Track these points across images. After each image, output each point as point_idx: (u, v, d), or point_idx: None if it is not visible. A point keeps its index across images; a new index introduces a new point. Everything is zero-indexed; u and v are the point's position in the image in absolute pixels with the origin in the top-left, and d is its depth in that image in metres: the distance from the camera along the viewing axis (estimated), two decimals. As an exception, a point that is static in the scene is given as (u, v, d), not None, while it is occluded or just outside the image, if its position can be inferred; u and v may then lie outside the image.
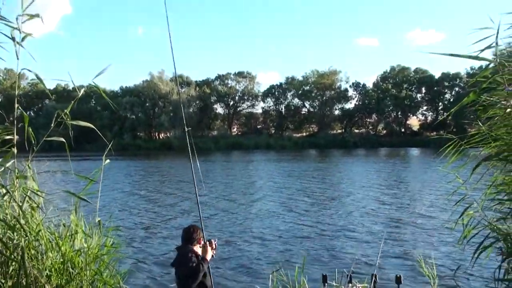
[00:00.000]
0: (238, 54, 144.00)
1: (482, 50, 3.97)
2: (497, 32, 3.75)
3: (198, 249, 4.91)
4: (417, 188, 25.53)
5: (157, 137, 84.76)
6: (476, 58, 4.00)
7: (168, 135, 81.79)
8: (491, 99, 4.29)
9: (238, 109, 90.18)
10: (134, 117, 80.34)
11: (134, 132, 79.51)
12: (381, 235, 13.38)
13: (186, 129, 5.75)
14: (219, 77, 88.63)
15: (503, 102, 4.24)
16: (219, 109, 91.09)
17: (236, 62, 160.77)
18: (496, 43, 3.83)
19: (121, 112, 77.22)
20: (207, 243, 5.04)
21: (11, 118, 4.31)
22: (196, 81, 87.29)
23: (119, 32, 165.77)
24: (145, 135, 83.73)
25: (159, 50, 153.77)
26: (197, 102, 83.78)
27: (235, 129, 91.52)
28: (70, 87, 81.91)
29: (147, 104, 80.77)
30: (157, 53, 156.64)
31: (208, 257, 4.93)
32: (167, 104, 79.19)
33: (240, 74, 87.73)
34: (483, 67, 4.52)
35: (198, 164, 5.71)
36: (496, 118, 4.41)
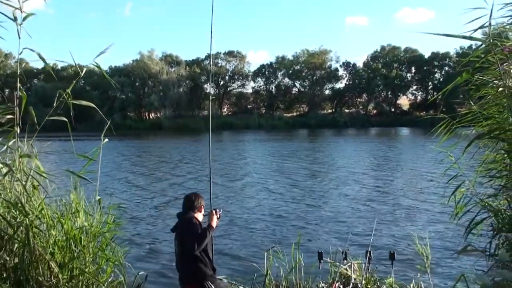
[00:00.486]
0: (228, 33, 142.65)
1: (475, 30, 4.04)
2: (491, 12, 3.80)
3: (199, 216, 4.99)
4: (409, 167, 25.78)
5: (147, 117, 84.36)
6: (470, 38, 4.07)
7: (158, 115, 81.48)
8: (484, 78, 4.38)
9: (229, 89, 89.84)
10: (124, 96, 79.76)
11: (124, 112, 79.01)
12: (375, 213, 13.61)
13: (210, 111, 5.90)
14: (209, 56, 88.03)
15: (495, 81, 4.33)
16: (210, 89, 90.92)
17: (226, 41, 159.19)
18: (490, 24, 3.88)
19: (111, 92, 76.66)
20: (213, 211, 5.16)
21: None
22: (186, 61, 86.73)
23: (108, 8, 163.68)
24: (135, 115, 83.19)
25: (148, 29, 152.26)
26: (187, 81, 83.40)
27: (225, 109, 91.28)
28: (59, 67, 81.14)
29: (137, 84, 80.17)
30: (146, 33, 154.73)
31: (214, 224, 5.02)
32: (157, 84, 78.70)
33: (230, 54, 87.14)
34: (473, 47, 4.58)
35: (210, 144, 5.80)
36: (488, 97, 4.52)
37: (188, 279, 4.70)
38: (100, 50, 4.36)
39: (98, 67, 4.26)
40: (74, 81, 4.29)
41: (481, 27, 4.00)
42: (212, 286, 4.66)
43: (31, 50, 4.12)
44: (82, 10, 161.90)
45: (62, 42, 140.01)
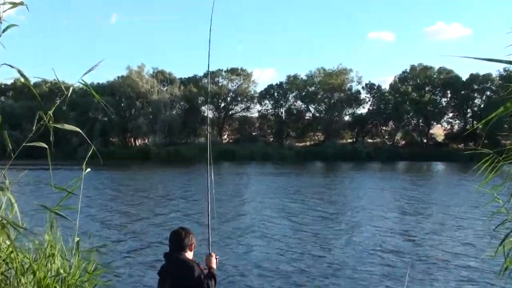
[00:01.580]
0: (230, 47, 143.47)
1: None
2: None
3: (190, 256, 4.96)
4: (444, 210, 25.55)
5: (133, 143, 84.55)
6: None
7: (146, 141, 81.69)
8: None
9: (230, 112, 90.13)
10: (106, 119, 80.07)
11: (106, 137, 79.16)
12: (405, 271, 13.38)
13: (207, 132, 5.96)
14: (207, 74, 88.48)
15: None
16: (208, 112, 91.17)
17: (227, 57, 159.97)
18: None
19: (91, 113, 77.05)
20: (212, 254, 5.18)
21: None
22: (180, 79, 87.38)
23: (90, 18, 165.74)
24: (119, 141, 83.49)
25: (136, 41, 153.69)
26: (182, 103, 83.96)
27: (226, 136, 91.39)
28: (31, 83, 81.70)
29: (123, 105, 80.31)
30: (133, 45, 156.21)
31: (215, 269, 5.04)
32: (146, 105, 79.06)
33: (233, 71, 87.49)
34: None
35: (212, 175, 5.86)
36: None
37: None
38: (81, 64, 4.41)
39: (87, 86, 4.29)
40: (58, 102, 4.33)
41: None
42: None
43: (10, 66, 4.15)
44: (57, 17, 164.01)
45: (35, 53, 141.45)
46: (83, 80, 4.26)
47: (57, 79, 4.21)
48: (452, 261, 14.79)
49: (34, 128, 4.20)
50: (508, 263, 4.64)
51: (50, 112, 4.16)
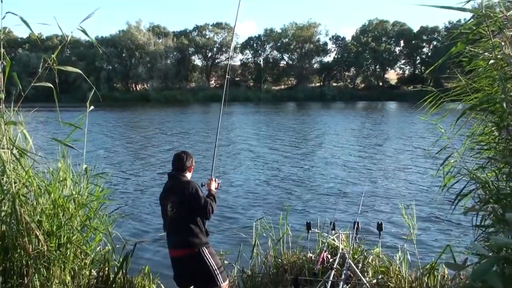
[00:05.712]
0: (215, 4, 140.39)
1: (467, 1, 4.00)
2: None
3: (189, 176, 4.94)
4: (397, 139, 25.94)
5: (134, 88, 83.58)
6: (463, 9, 4.03)
7: (145, 86, 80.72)
8: (475, 50, 4.36)
9: (216, 61, 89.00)
10: (110, 68, 78.87)
11: (110, 83, 78.12)
12: (363, 184, 13.72)
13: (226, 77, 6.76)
14: (197, 28, 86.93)
15: (485, 54, 4.31)
16: (197, 60, 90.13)
17: (212, 9, 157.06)
18: (483, -6, 3.83)
19: (97, 63, 75.67)
20: (213, 179, 5.21)
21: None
22: (173, 32, 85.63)
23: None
24: (121, 87, 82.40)
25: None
26: (175, 53, 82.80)
27: (213, 81, 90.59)
28: (44, 36, 79.84)
29: (124, 55, 79.17)
30: (131, 2, 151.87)
31: (214, 192, 5.05)
32: (144, 55, 77.80)
33: (218, 25, 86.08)
34: (462, 21, 4.54)
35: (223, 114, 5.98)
36: (479, 70, 4.51)
37: (183, 244, 4.66)
38: (84, 16, 4.24)
39: (84, 32, 4.13)
40: (60, 46, 4.19)
41: (471, -1, 3.96)
42: (206, 251, 4.67)
43: (13, 14, 3.99)
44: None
45: (43, 9, 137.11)
46: (81, 27, 4.11)
47: (59, 26, 4.04)
48: (401, 180, 15.15)
49: (40, 70, 4.08)
50: (447, 181, 4.71)
51: (53, 56, 4.03)
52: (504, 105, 3.84)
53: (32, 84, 4.10)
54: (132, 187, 14.43)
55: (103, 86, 70.92)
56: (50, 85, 4.18)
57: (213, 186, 5.14)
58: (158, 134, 29.83)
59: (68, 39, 4.26)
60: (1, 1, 3.99)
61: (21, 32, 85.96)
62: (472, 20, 4.19)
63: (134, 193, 13.71)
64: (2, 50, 3.98)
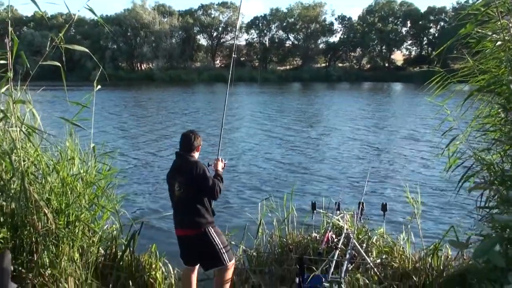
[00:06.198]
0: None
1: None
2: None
3: (196, 156, 4.93)
4: (402, 120, 25.91)
5: (139, 68, 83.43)
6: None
7: (150, 66, 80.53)
8: (483, 32, 4.34)
9: (222, 41, 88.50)
10: (115, 47, 78.69)
11: (115, 62, 77.97)
12: (368, 164, 13.76)
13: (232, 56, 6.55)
14: (202, 7, 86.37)
15: (493, 35, 4.30)
16: (202, 40, 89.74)
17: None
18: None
19: (102, 42, 75.49)
20: (220, 159, 5.23)
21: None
22: (178, 11, 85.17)
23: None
24: (127, 66, 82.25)
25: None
26: (180, 32, 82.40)
27: (218, 61, 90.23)
28: (49, 15, 79.49)
29: (129, 34, 78.88)
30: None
31: (221, 171, 5.08)
32: (149, 34, 77.46)
33: (223, 4, 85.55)
34: (470, 1, 4.51)
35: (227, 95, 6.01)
36: (486, 51, 4.49)
37: (189, 224, 4.68)
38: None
39: (91, 11, 4.14)
40: (67, 25, 4.20)
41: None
42: (212, 230, 4.71)
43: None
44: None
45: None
46: (88, 6, 4.12)
47: (65, 4, 4.05)
48: (406, 160, 15.21)
49: (47, 48, 4.09)
50: (452, 162, 4.73)
51: (61, 35, 4.05)
52: (511, 87, 3.84)
53: (39, 63, 4.12)
54: (139, 166, 14.51)
55: (108, 65, 70.79)
56: (58, 63, 4.20)
57: (220, 166, 5.15)
58: (163, 113, 29.85)
59: (75, 18, 4.26)
60: (9, -20, 4.01)
61: (25, 11, 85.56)
62: (480, 0, 4.17)
63: (141, 171, 13.79)
64: (10, 28, 3.99)
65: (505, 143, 4.26)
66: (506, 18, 4.02)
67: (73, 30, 78.86)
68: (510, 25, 4.04)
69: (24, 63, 4.16)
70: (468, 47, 4.51)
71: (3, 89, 4.16)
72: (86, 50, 4.34)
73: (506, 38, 4.02)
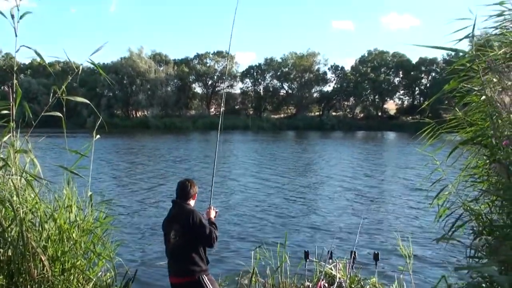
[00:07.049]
0: (216, 33, 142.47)
1: (460, 40, 4.21)
2: (474, 24, 3.95)
3: (192, 204, 4.99)
4: (393, 170, 26.06)
5: (134, 115, 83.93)
6: (455, 50, 4.26)
7: (146, 113, 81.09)
8: (468, 86, 4.55)
9: (217, 89, 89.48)
10: (111, 94, 79.40)
11: (111, 109, 78.45)
12: (360, 214, 13.81)
13: (222, 109, 6.65)
14: (198, 56, 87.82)
15: (478, 90, 4.50)
16: (198, 88, 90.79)
17: (213, 40, 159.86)
18: (473, 35, 4.03)
19: (98, 89, 76.22)
20: (212, 207, 5.30)
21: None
22: (174, 60, 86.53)
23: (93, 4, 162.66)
24: (122, 113, 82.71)
25: (134, 27, 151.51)
26: (175, 81, 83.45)
27: (213, 109, 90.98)
28: (46, 63, 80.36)
29: (125, 82, 79.59)
30: (132, 31, 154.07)
31: (214, 220, 5.13)
32: (145, 82, 78.35)
33: (219, 54, 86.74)
34: (460, 54, 4.73)
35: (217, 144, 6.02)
36: (472, 105, 4.69)
37: (184, 272, 4.72)
38: (87, 46, 4.44)
39: (94, 64, 4.33)
40: (70, 77, 4.38)
41: (466, 37, 4.17)
42: (206, 279, 4.74)
43: (28, 47, 4.19)
44: (67, 4, 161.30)
45: (47, 36, 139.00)
46: (90, 59, 4.30)
47: (68, 58, 4.24)
48: (397, 210, 15.26)
49: (50, 100, 4.25)
50: (442, 212, 4.84)
51: (63, 87, 4.22)
52: (493, 140, 4.00)
53: (42, 114, 4.27)
54: (132, 213, 14.48)
55: (103, 112, 70.98)
56: (60, 114, 4.36)
57: (212, 214, 5.24)
58: (157, 160, 29.95)
59: (79, 71, 4.44)
60: (16, 35, 4.20)
61: (22, 58, 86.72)
62: (466, 56, 4.39)
63: (135, 218, 13.76)
64: (15, 82, 4.15)
65: (492, 194, 4.38)
66: (489, 75, 4.23)
67: (70, 77, 79.35)
68: (495, 80, 4.25)
69: (27, 113, 4.30)
70: (458, 97, 4.71)
71: (5, 138, 4.29)
72: (87, 101, 4.50)
73: (488, 94, 4.22)
